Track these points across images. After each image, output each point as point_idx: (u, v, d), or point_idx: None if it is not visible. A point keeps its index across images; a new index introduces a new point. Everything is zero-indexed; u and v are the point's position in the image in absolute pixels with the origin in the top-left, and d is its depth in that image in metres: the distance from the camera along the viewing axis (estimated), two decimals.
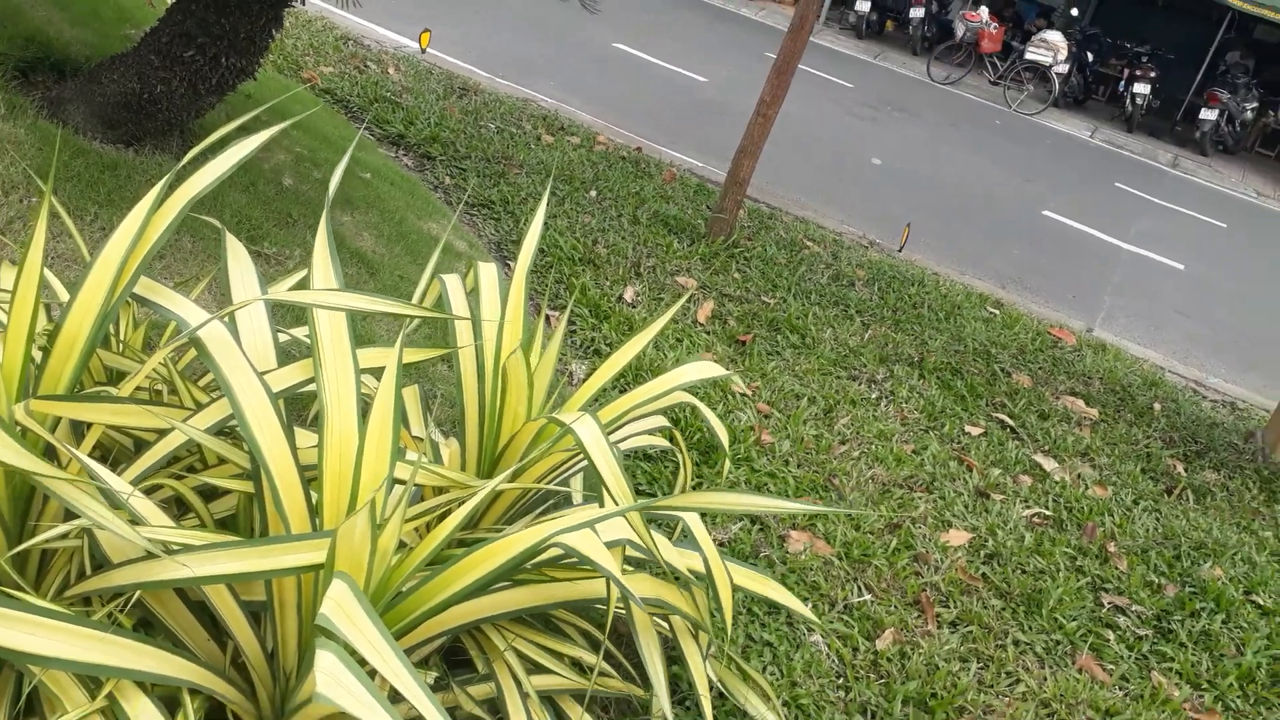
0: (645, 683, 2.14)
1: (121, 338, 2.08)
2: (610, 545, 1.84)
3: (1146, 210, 10.48)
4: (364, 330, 3.09)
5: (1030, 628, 2.90)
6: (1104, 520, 3.57)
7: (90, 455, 1.67)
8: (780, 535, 2.99)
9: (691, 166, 6.80)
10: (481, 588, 1.72)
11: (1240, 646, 3.06)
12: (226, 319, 1.82)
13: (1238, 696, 2.86)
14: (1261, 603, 3.31)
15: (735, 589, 2.17)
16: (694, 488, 3.08)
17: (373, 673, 1.80)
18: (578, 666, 2.08)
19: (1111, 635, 2.97)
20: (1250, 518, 3.96)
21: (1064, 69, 14.31)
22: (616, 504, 1.77)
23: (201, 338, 1.72)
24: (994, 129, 12.38)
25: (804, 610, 2.25)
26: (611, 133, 6.90)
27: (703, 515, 2.98)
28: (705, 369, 2.58)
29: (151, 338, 2.23)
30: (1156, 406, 4.88)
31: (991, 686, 2.63)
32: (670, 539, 2.25)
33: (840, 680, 2.51)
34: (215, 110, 3.77)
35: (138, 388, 1.83)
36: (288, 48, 5.99)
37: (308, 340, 2.09)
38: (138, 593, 1.62)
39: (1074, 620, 2.96)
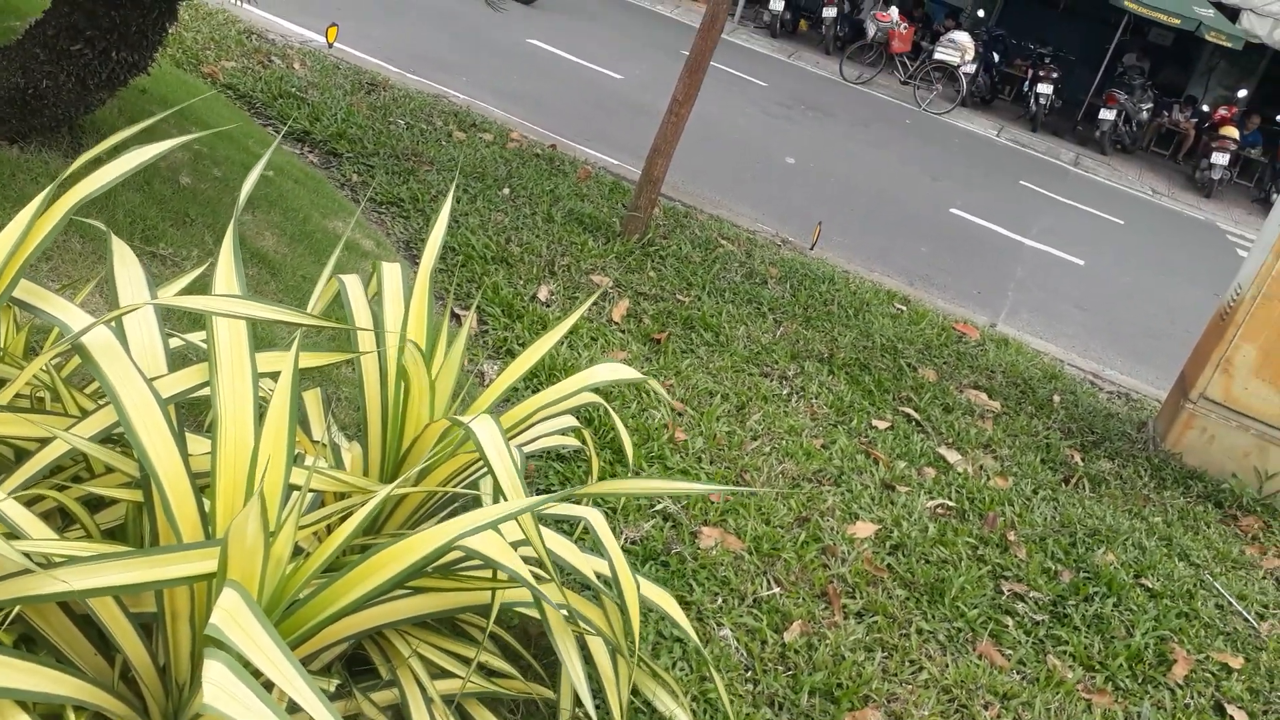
0: (553, 684, 2.14)
1: (1, 344, 1.99)
2: (517, 546, 1.83)
3: (1049, 208, 10.84)
4: (264, 333, 3.02)
5: (933, 616, 2.98)
6: (1004, 510, 3.68)
7: None
8: (692, 532, 3.01)
9: (607, 164, 6.81)
10: (381, 593, 1.70)
11: (1130, 628, 3.19)
12: (114, 324, 1.77)
13: (1127, 676, 2.98)
14: (1150, 585, 3.46)
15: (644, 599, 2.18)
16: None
17: (269, 684, 1.77)
18: (486, 671, 2.07)
19: (1010, 621, 3.07)
20: (1141, 504, 4.13)
21: (971, 69, 14.72)
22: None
23: (85, 343, 1.67)
24: (904, 128, 12.66)
25: (688, 629, 2.21)
26: (525, 129, 6.86)
27: (613, 513, 3.00)
28: (616, 370, 2.59)
29: (36, 343, 2.14)
30: (1056, 398, 5.05)
31: (896, 675, 2.70)
32: (573, 539, 2.25)
33: (749, 673, 2.55)
34: (107, 106, 3.64)
35: (17, 395, 1.76)
36: (187, 41, 5.81)
37: (203, 345, 2.04)
38: (17, 608, 1.56)
39: (975, 608, 3.05)
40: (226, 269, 1.81)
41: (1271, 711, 3.03)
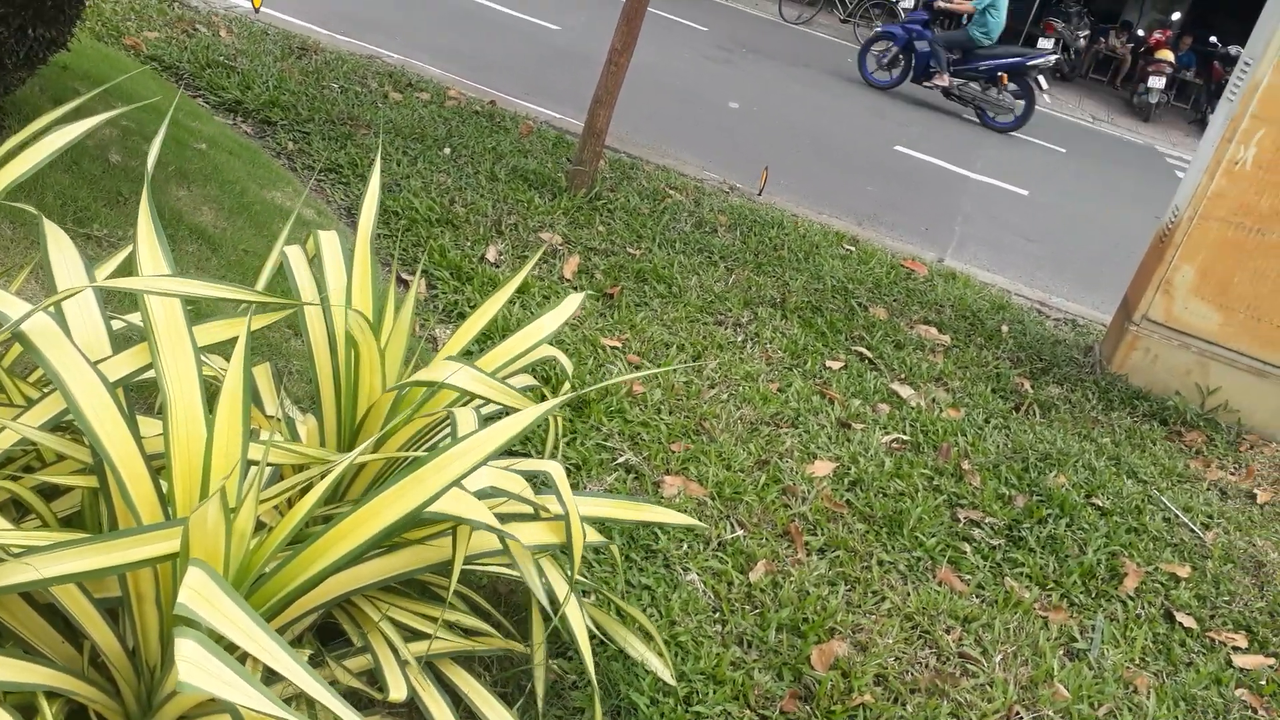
0: (525, 638, 2.17)
1: None
2: (479, 494, 1.85)
3: (992, 140, 10.93)
4: (207, 307, 2.97)
5: (893, 547, 3.05)
6: (958, 440, 3.77)
7: None
8: (655, 482, 3.05)
9: (549, 118, 6.73)
10: (350, 561, 1.71)
11: (1082, 546, 3.30)
12: (53, 309, 1.73)
13: (1081, 592, 3.09)
14: (1100, 504, 3.57)
15: (616, 520, 2.22)
16: (567, 443, 3.10)
17: (243, 656, 1.77)
18: (460, 630, 2.09)
19: (968, 548, 3.16)
20: (1090, 426, 4.24)
21: (910, 4, 14.70)
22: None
23: (25, 331, 1.64)
24: (846, 67, 12.64)
25: (683, 519, 2.30)
26: (463, 87, 6.76)
27: (576, 470, 3.02)
28: (561, 314, 2.53)
29: None
30: (1004, 329, 5.15)
31: (859, 606, 2.77)
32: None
33: (717, 615, 2.60)
34: (27, 85, 3.53)
35: None
36: (106, 13, 5.62)
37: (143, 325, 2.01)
38: None
39: (933, 537, 3.13)
40: (148, 243, 1.78)
41: (1218, 616, 3.16)
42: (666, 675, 2.24)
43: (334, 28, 7.34)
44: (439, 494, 1.67)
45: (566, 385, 2.96)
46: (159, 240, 1.79)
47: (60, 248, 1.83)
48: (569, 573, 1.99)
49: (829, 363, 4.17)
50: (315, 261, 2.24)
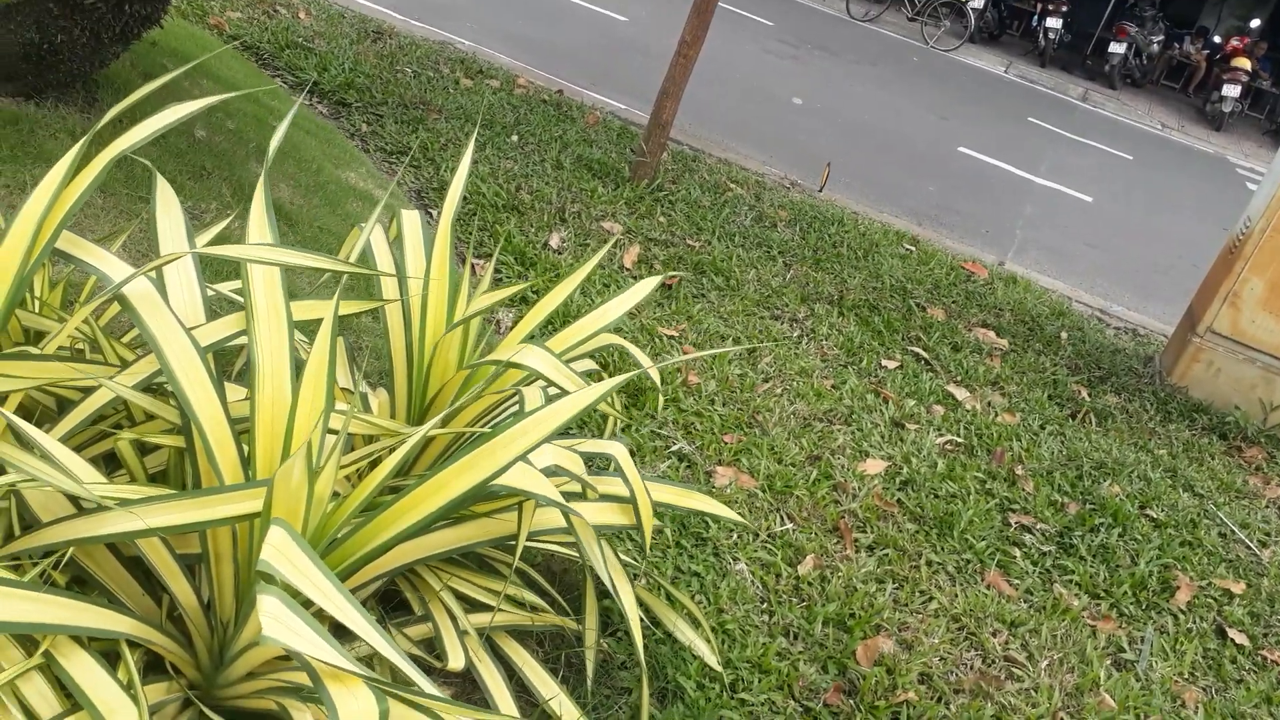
0: (579, 618, 2.23)
1: (39, 296, 2.06)
2: (544, 471, 1.90)
3: (1058, 144, 10.77)
4: (290, 285, 3.07)
5: (942, 549, 3.07)
6: (1012, 445, 3.76)
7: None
8: (707, 471, 3.09)
9: (615, 109, 6.79)
10: (420, 530, 1.77)
11: (1134, 557, 3.28)
12: (154, 273, 1.82)
13: (1131, 603, 3.07)
14: (1154, 516, 3.54)
15: (667, 504, 2.28)
16: (623, 430, 3.16)
17: (318, 614, 1.86)
18: (515, 604, 2.16)
19: (1018, 552, 3.16)
20: (1147, 437, 4.20)
21: (979, 4, 14.51)
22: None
23: (126, 293, 1.73)
24: (912, 66, 12.52)
25: (730, 514, 2.35)
26: (532, 75, 6.84)
27: (630, 455, 3.07)
28: (626, 301, 2.57)
29: (70, 296, 2.20)
30: (1063, 335, 5.10)
31: (906, 605, 2.79)
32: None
33: (764, 605, 2.64)
34: (120, 60, 3.66)
35: (60, 347, 1.82)
36: None
37: (231, 296, 2.10)
38: (70, 550, 1.64)
39: (983, 540, 3.13)
40: (259, 219, 1.87)
41: (1271, 634, 3.13)
42: (713, 661, 2.29)
43: (408, 13, 7.46)
44: (506, 467, 1.73)
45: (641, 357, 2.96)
46: (269, 218, 1.88)
47: (168, 210, 1.91)
48: (643, 549, 2.05)
49: (885, 362, 4.17)
50: (396, 241, 2.31)
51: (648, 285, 2.50)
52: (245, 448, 1.74)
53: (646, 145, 5.24)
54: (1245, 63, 14.53)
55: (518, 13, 8.92)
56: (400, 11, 7.41)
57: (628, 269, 4.30)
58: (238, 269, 1.91)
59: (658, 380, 2.64)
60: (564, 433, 2.15)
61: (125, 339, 2.03)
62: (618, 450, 2.00)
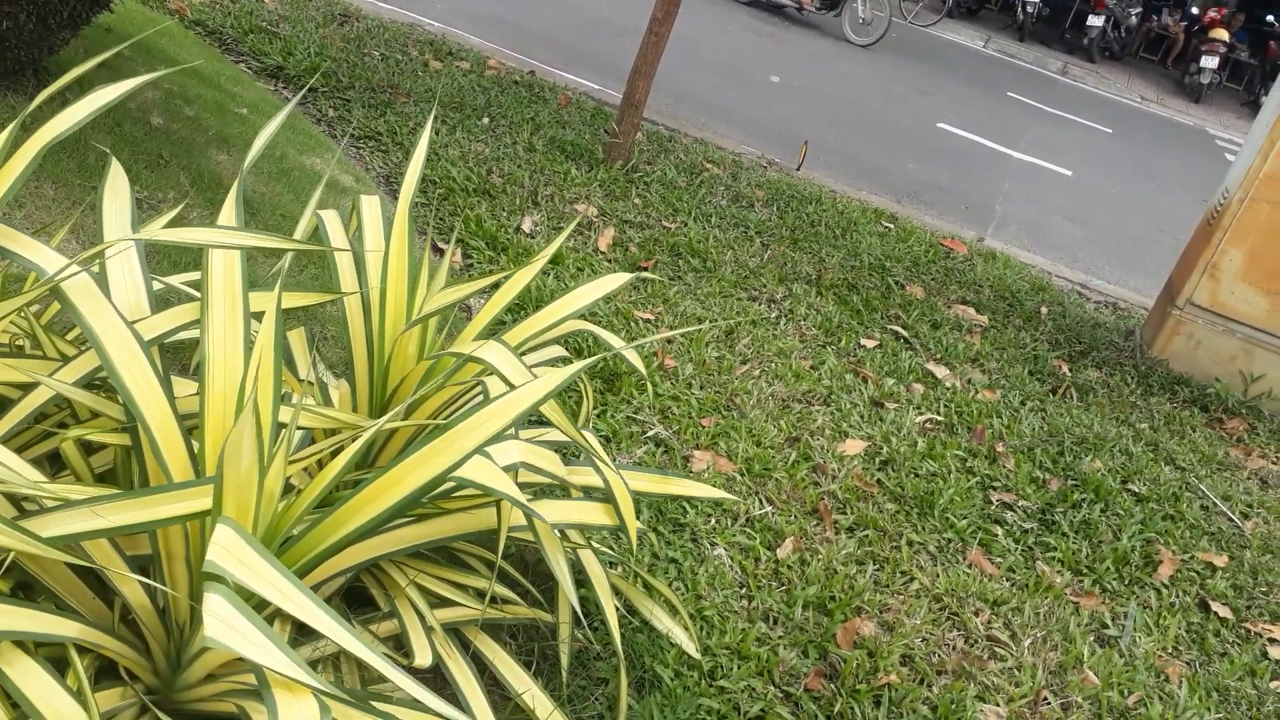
0: (551, 608, 2.18)
1: None
2: (507, 469, 1.84)
3: (1037, 118, 10.74)
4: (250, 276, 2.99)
5: (923, 528, 3.03)
6: (993, 422, 3.72)
7: None
8: (684, 456, 3.04)
9: (588, 89, 6.69)
10: (377, 526, 1.71)
11: (1117, 532, 3.25)
12: (95, 265, 1.75)
13: (1114, 578, 3.04)
14: (1136, 490, 3.51)
15: (645, 494, 2.23)
16: (598, 415, 3.10)
17: (274, 615, 1.79)
18: (483, 598, 2.10)
19: (999, 530, 3.12)
20: (1128, 411, 4.17)
21: None
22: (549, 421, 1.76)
23: (63, 287, 1.65)
24: (890, 41, 12.44)
25: (713, 493, 2.31)
26: (503, 56, 6.73)
27: (606, 442, 3.02)
28: (599, 288, 2.52)
29: (11, 290, 2.12)
30: (1043, 310, 5.07)
31: (887, 586, 2.75)
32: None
33: (743, 590, 2.59)
34: (71, 46, 3.55)
35: None
36: None
37: (183, 289, 2.03)
38: (11, 555, 1.57)
39: (964, 519, 3.10)
40: (229, 209, 1.80)
41: (1255, 606, 3.11)
42: (691, 649, 2.24)
43: None
44: (463, 460, 1.66)
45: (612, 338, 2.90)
46: (236, 209, 1.81)
47: (115, 197, 1.84)
48: (619, 538, 2.00)
49: (864, 341, 4.12)
50: (356, 228, 2.24)
51: (618, 279, 2.44)
52: (196, 444, 1.68)
53: (620, 126, 5.16)
54: (1223, 34, 14.52)
55: None
56: None
57: (602, 252, 4.23)
58: (198, 260, 1.84)
59: (639, 364, 2.58)
60: (535, 421, 2.09)
61: (70, 335, 1.95)
62: (588, 439, 1.93)
